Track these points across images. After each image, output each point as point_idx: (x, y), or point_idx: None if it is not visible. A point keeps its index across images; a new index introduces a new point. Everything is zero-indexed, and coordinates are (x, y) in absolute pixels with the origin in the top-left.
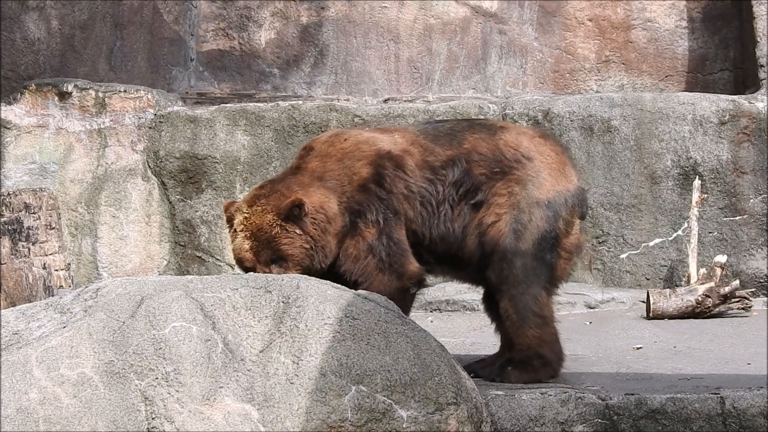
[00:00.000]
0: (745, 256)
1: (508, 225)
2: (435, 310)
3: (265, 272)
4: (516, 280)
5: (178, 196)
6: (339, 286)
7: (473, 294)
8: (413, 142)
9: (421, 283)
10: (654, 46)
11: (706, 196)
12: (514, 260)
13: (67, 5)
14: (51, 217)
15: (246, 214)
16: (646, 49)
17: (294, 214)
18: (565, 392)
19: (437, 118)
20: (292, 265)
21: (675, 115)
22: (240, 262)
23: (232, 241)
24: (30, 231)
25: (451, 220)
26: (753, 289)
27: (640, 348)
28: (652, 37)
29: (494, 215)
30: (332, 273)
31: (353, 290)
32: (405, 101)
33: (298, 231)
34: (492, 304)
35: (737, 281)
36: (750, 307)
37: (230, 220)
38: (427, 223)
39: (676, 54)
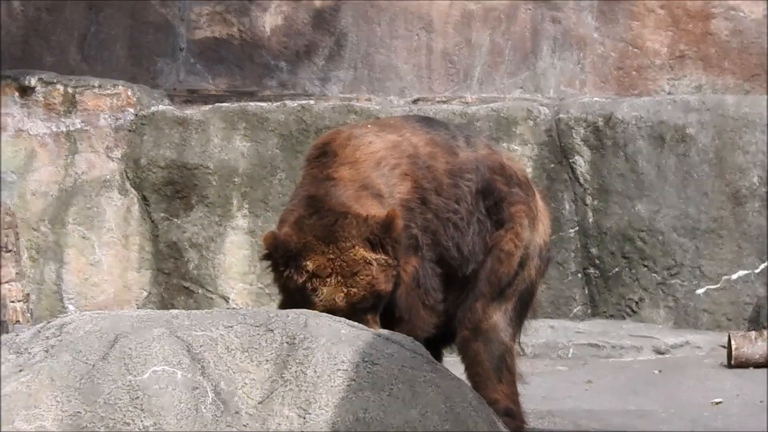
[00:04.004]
0: None
1: (516, 261)
2: None
3: (366, 321)
4: (498, 324)
5: (162, 214)
6: (355, 324)
7: None
8: (429, 141)
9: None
10: (738, 40)
11: None
12: (508, 300)
13: None
14: (8, 237)
15: (330, 256)
16: (729, 42)
17: (388, 237)
18: None
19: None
20: (384, 303)
21: (763, 122)
22: (331, 313)
23: (315, 291)
24: None
25: (478, 235)
26: None
27: (720, 402)
28: (735, 29)
29: (512, 243)
30: None
31: (372, 329)
32: (438, 102)
33: (390, 261)
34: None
35: None
36: None
37: (290, 263)
38: (455, 241)
39: (764, 49)
